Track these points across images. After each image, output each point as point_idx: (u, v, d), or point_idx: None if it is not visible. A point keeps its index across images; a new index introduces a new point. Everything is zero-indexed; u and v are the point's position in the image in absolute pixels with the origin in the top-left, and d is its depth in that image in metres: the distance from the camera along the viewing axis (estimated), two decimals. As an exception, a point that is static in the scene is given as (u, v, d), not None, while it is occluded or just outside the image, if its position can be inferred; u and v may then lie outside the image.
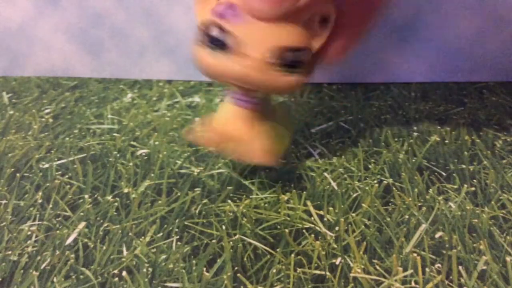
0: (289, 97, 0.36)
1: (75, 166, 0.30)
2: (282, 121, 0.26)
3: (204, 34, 0.20)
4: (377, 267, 0.23)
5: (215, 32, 0.19)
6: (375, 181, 0.28)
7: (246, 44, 0.19)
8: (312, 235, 0.24)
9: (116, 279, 0.23)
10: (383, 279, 0.22)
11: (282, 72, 0.20)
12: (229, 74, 0.20)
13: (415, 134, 0.32)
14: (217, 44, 0.20)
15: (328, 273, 0.22)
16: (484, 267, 0.22)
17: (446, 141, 0.31)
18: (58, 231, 0.25)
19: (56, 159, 0.31)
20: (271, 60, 0.19)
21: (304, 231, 0.25)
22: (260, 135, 0.23)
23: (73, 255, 0.24)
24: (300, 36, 0.20)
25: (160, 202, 0.27)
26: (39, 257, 0.24)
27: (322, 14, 0.21)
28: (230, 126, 0.23)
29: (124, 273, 0.23)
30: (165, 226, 0.25)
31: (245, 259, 0.23)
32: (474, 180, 0.28)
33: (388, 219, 0.25)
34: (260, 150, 0.23)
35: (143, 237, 0.25)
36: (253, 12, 0.19)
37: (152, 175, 0.29)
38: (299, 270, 0.23)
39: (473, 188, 0.27)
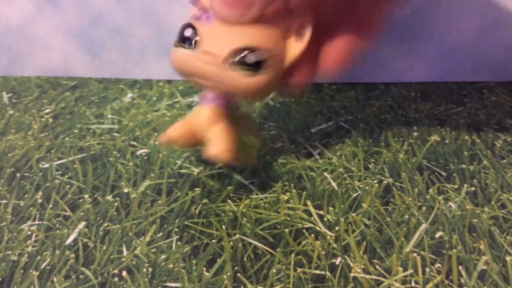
0: (289, 97, 0.36)
1: (75, 166, 0.30)
2: (248, 132, 0.27)
3: (179, 34, 0.22)
4: (377, 267, 0.23)
5: (187, 32, 0.21)
6: (375, 181, 0.28)
7: (210, 43, 0.21)
8: (312, 235, 0.24)
9: (116, 279, 0.23)
10: (383, 279, 0.22)
11: (243, 72, 0.21)
12: (191, 69, 0.22)
13: (415, 134, 0.32)
14: (188, 42, 0.21)
15: (328, 273, 0.22)
16: (484, 267, 0.22)
17: (446, 141, 0.31)
18: (58, 231, 0.25)
19: (56, 159, 0.31)
20: (232, 59, 0.20)
21: (304, 231, 0.25)
22: (221, 132, 0.24)
23: (73, 255, 0.24)
24: (263, 39, 0.21)
25: (160, 202, 0.27)
26: (39, 257, 0.24)
27: (299, 23, 0.21)
28: (195, 122, 0.25)
29: (124, 273, 0.23)
30: (165, 226, 0.25)
31: (245, 259, 0.23)
32: (474, 180, 0.28)
33: (388, 219, 0.25)
34: (218, 146, 0.23)
35: (143, 237, 0.25)
36: (220, 17, 0.20)
37: (152, 175, 0.29)
38: (299, 270, 0.23)
39: (473, 188, 0.27)
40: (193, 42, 0.21)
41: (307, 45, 0.22)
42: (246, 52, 0.20)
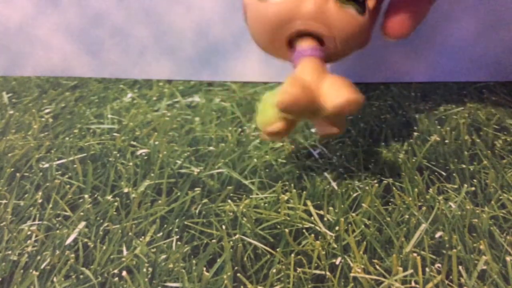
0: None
1: (75, 166, 0.30)
2: None
3: None
4: (377, 267, 0.23)
5: None
6: (375, 181, 0.28)
7: None
8: (312, 235, 0.24)
9: (116, 279, 0.23)
10: (383, 279, 0.22)
11: (354, 9, 0.21)
12: (304, 12, 0.21)
13: (415, 134, 0.32)
14: None
15: (328, 273, 0.22)
16: (484, 267, 0.22)
17: (446, 141, 0.31)
18: (58, 231, 0.25)
19: (56, 159, 0.31)
20: None
21: (304, 231, 0.25)
22: (341, 79, 0.22)
23: (73, 255, 0.24)
24: None
25: (160, 202, 0.27)
26: (39, 257, 0.24)
27: None
28: (308, 77, 0.21)
29: (124, 273, 0.23)
30: (165, 226, 0.25)
31: (245, 259, 0.23)
32: (474, 180, 0.28)
33: (388, 219, 0.25)
34: (350, 93, 0.21)
35: (143, 237, 0.25)
36: None
37: (152, 175, 0.29)
38: (299, 270, 0.23)
39: (473, 188, 0.27)
40: None
41: None
42: None
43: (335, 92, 0.20)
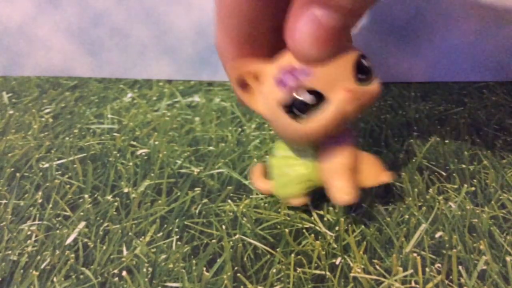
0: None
1: (75, 166, 0.30)
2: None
3: (302, 107, 0.19)
4: (377, 267, 0.23)
5: (308, 99, 0.19)
6: (375, 181, 0.28)
7: (342, 80, 0.19)
8: (312, 235, 0.24)
9: (116, 279, 0.23)
10: (383, 279, 0.22)
11: (367, 84, 0.19)
12: (351, 109, 0.19)
13: (415, 134, 0.32)
14: (316, 100, 0.19)
15: (328, 273, 0.22)
16: (484, 267, 0.22)
17: (446, 141, 0.31)
18: (58, 231, 0.25)
19: (56, 159, 0.31)
20: (358, 75, 0.19)
21: (304, 231, 0.25)
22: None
23: (73, 255, 0.24)
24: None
25: (160, 202, 0.27)
26: (39, 257, 0.24)
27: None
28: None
29: (124, 273, 0.23)
30: (165, 226, 0.25)
31: (245, 259, 0.23)
32: (474, 180, 0.28)
33: (388, 219, 0.25)
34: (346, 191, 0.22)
35: (143, 237, 0.25)
36: (312, 59, 0.18)
37: (152, 174, 0.29)
38: (299, 270, 0.23)
39: (473, 188, 0.27)
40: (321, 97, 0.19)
41: None
42: (360, 60, 0.19)
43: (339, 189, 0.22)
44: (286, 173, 0.24)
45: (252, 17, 0.19)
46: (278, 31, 0.19)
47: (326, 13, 0.17)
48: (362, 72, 0.19)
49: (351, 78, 0.19)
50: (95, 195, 0.28)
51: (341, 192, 0.21)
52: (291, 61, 0.19)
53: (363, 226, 0.25)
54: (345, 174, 0.22)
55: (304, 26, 0.17)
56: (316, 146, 0.22)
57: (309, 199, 0.25)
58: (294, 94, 0.19)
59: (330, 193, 0.22)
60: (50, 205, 0.27)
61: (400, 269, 0.22)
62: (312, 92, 0.18)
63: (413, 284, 0.22)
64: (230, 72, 0.21)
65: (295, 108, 0.19)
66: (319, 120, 0.19)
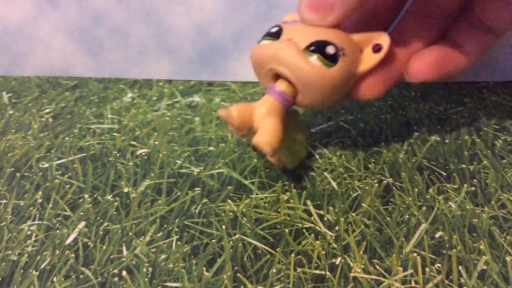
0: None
1: (75, 165, 0.30)
2: (297, 129, 0.27)
3: (266, 32, 0.24)
4: (377, 267, 0.23)
5: (273, 29, 0.24)
6: (375, 181, 0.28)
7: (293, 35, 0.23)
8: (312, 235, 0.24)
9: (116, 278, 0.23)
10: (383, 279, 0.22)
11: (320, 61, 0.22)
12: (272, 55, 0.23)
13: (415, 134, 0.32)
14: (272, 35, 0.24)
15: (328, 273, 0.22)
16: (484, 267, 0.22)
17: (446, 141, 0.31)
18: (58, 231, 0.25)
19: (56, 159, 0.31)
20: (312, 47, 0.22)
21: (304, 230, 0.25)
22: (272, 126, 0.24)
23: (73, 255, 0.24)
24: (341, 39, 0.22)
25: (160, 201, 0.27)
26: (39, 257, 0.24)
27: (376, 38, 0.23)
28: (256, 108, 0.24)
29: (124, 273, 0.23)
30: (165, 225, 0.25)
31: (245, 259, 0.23)
32: (474, 180, 0.28)
33: (388, 218, 0.25)
34: (264, 137, 0.23)
35: (143, 237, 0.25)
36: (304, 20, 0.23)
37: (152, 174, 0.29)
38: (299, 270, 0.23)
39: (473, 188, 0.27)
40: (278, 35, 0.23)
41: (383, 58, 0.23)
42: (324, 44, 0.22)
43: (260, 133, 0.23)
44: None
45: None
46: None
47: None
48: (319, 52, 0.22)
49: (309, 43, 0.22)
50: (95, 195, 0.28)
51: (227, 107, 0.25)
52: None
53: (363, 226, 0.25)
54: (242, 103, 0.25)
55: None
56: None
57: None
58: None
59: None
60: (50, 205, 0.27)
61: (400, 269, 0.22)
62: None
63: (413, 284, 0.22)
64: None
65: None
66: (255, 47, 0.25)
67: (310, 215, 0.26)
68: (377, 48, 0.23)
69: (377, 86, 0.24)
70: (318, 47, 0.22)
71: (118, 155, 0.31)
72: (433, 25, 0.26)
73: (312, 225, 0.25)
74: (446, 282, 0.22)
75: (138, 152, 0.31)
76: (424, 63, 0.25)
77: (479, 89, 0.37)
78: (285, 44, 0.22)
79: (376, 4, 0.25)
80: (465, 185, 0.27)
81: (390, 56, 0.24)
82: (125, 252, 0.24)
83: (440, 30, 0.26)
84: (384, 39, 0.23)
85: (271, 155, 0.23)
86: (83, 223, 0.26)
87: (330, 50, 0.22)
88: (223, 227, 0.25)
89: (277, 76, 0.24)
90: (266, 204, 0.26)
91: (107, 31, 0.38)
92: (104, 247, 0.24)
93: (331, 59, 0.22)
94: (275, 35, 0.23)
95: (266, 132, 0.23)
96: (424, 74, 0.25)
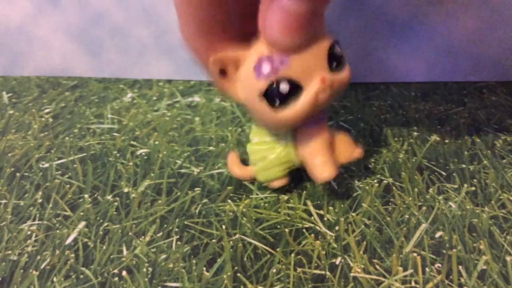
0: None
1: (75, 165, 0.30)
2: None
3: (279, 95, 0.20)
4: (377, 266, 0.23)
5: (284, 87, 0.19)
6: (375, 181, 0.28)
7: (316, 70, 0.20)
8: (312, 235, 0.24)
9: (116, 278, 0.23)
10: (383, 279, 0.22)
11: (339, 69, 0.21)
12: (325, 98, 0.20)
13: (415, 134, 0.32)
14: (292, 93, 0.20)
15: (328, 273, 0.22)
16: (484, 267, 0.22)
17: (446, 141, 0.31)
18: (58, 231, 0.25)
19: (56, 159, 0.31)
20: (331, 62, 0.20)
21: (304, 230, 0.25)
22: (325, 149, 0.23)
23: (73, 255, 0.24)
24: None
25: (160, 201, 0.27)
26: (39, 257, 0.24)
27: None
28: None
29: (124, 273, 0.23)
30: (165, 225, 0.25)
31: (245, 258, 0.23)
32: (474, 180, 0.28)
33: (388, 218, 0.25)
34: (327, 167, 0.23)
35: (143, 237, 0.25)
36: (286, 48, 0.19)
37: (152, 174, 0.29)
38: (299, 269, 0.23)
39: (473, 188, 0.27)
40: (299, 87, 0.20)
41: None
42: (332, 46, 0.20)
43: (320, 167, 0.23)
44: (265, 157, 0.25)
45: (210, 1, 0.19)
46: (251, 18, 0.19)
47: (293, 1, 0.17)
48: (334, 60, 0.20)
49: (325, 67, 0.20)
50: (95, 195, 0.28)
51: (322, 168, 0.23)
52: (269, 48, 0.19)
53: (363, 226, 0.25)
54: (323, 152, 0.23)
55: (273, 15, 0.18)
56: (293, 129, 0.23)
57: (289, 179, 0.26)
58: (271, 83, 0.19)
59: (311, 172, 0.24)
60: (50, 205, 0.27)
61: (400, 269, 0.22)
62: (288, 81, 0.19)
63: (413, 284, 0.22)
64: (211, 61, 0.20)
65: (271, 96, 0.20)
66: (294, 109, 0.20)
67: (310, 215, 0.26)
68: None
69: None
70: (332, 53, 0.20)
71: (118, 155, 0.31)
72: None
73: (312, 225, 0.25)
74: (446, 282, 0.22)
75: (138, 152, 0.31)
76: None
77: (479, 89, 0.37)
78: (332, 80, 0.20)
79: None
80: (465, 185, 0.27)
81: None
82: (125, 252, 0.24)
83: None
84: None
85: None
86: (83, 223, 0.26)
87: (338, 50, 0.21)
88: (223, 227, 0.25)
89: None
90: (266, 204, 0.26)
91: (107, 31, 0.38)
92: (104, 247, 0.24)
93: (340, 61, 0.21)
94: (295, 91, 0.20)
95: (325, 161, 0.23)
96: None
